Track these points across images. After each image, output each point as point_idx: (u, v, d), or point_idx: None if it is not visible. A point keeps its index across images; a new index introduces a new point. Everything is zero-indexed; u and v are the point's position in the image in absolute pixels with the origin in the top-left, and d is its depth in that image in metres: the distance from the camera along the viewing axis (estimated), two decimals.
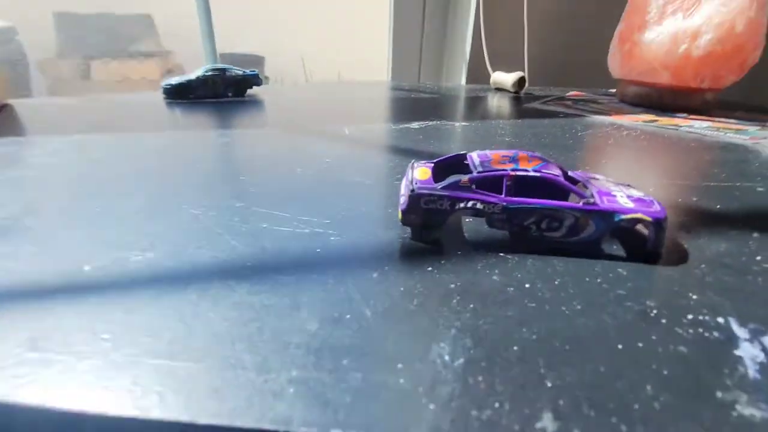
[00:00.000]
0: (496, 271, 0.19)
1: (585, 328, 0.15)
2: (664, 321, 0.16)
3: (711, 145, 0.42)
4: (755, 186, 0.31)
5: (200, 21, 0.95)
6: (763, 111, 0.62)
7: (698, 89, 0.57)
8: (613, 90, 0.71)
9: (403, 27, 0.99)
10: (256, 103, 0.58)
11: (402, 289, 0.17)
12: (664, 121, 0.53)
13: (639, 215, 0.20)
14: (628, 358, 0.14)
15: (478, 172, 0.21)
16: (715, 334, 0.15)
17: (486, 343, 0.14)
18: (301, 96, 0.68)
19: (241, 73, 0.60)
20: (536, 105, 0.62)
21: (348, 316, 0.15)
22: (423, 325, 0.15)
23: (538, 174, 0.20)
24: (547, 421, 0.11)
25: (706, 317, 0.16)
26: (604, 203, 0.20)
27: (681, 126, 0.50)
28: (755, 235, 0.23)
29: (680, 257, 0.20)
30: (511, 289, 0.17)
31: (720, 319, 0.16)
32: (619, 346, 0.14)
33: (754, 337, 0.15)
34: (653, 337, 0.15)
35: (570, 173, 0.24)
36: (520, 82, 0.72)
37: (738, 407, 0.12)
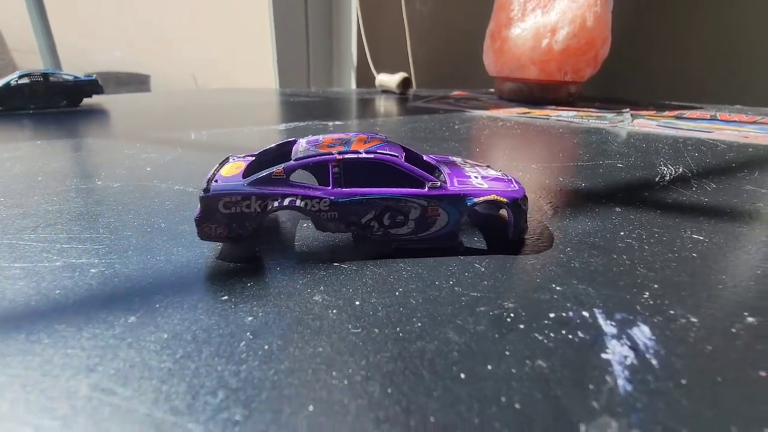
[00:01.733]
0: (321, 288, 0.14)
1: (418, 355, 0.11)
2: (522, 326, 0.12)
3: (577, 130, 0.44)
4: (616, 163, 0.31)
5: (36, 33, 0.81)
6: (616, 102, 0.68)
7: (563, 82, 0.60)
8: (493, 90, 0.74)
9: (286, 36, 0.94)
10: (93, 112, 0.48)
11: (166, 336, 0.11)
12: (537, 112, 0.54)
13: (493, 197, 0.16)
14: (471, 392, 0.10)
15: (296, 159, 0.16)
16: (580, 334, 0.12)
17: (267, 406, 0.09)
18: (164, 104, 0.59)
19: (71, 78, 0.49)
20: (419, 103, 0.61)
21: None
22: (173, 392, 0.09)
23: (370, 156, 0.16)
24: None
25: (570, 313, 0.13)
26: (455, 186, 0.17)
27: (551, 116, 0.52)
28: (618, 209, 0.22)
29: (544, 242, 0.18)
30: (334, 311, 0.13)
31: (585, 313, 0.13)
32: (462, 376, 0.10)
33: (622, 330, 0.12)
34: (507, 353, 0.11)
35: (425, 157, 0.20)
36: (405, 83, 0.71)
37: None
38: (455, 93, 0.75)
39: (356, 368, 0.10)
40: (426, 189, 0.16)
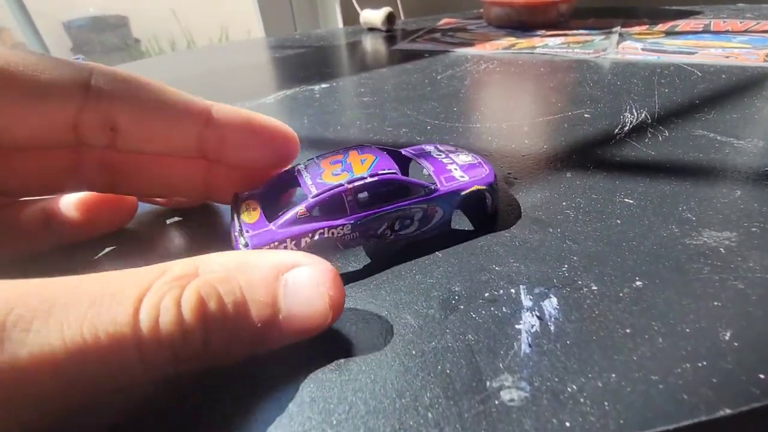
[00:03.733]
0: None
1: (382, 337, 0.15)
2: (462, 307, 0.16)
3: (558, 68, 0.44)
4: (583, 113, 0.32)
5: None
6: (610, 14, 0.65)
7: (552, 2, 0.58)
8: (482, 11, 0.70)
9: None
10: None
11: None
12: (523, 43, 0.53)
13: (476, 187, 0.20)
14: (418, 364, 0.14)
15: (314, 197, 0.18)
16: (504, 309, 0.16)
17: None
18: (148, 75, 0.59)
19: None
20: (404, 45, 0.60)
21: None
22: None
23: (375, 179, 0.19)
24: None
25: (501, 291, 0.17)
26: (444, 185, 0.20)
27: (536, 47, 0.51)
28: (568, 174, 0.24)
29: (497, 221, 0.21)
30: None
31: (512, 290, 0.17)
32: (413, 352, 0.15)
33: (536, 303, 0.16)
34: (447, 331, 0.16)
35: (403, 152, 0.23)
36: (389, 18, 0.68)
37: (501, 394, 0.13)
38: (444, 22, 0.72)
39: (339, 352, 0.15)
40: (423, 194, 0.19)
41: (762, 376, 0.13)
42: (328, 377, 0.14)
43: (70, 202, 0.21)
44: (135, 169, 0.19)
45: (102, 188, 0.20)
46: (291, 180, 0.21)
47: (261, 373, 0.14)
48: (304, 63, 0.57)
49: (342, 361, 0.15)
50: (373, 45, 0.63)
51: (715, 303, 0.16)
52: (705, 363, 0.13)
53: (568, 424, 0.12)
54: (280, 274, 0.13)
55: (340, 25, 0.87)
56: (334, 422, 0.13)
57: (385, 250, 0.20)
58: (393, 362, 0.15)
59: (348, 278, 0.18)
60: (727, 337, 0.14)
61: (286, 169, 0.22)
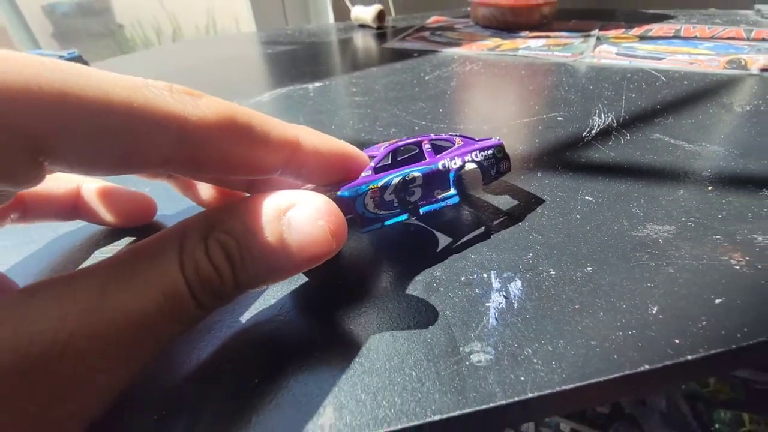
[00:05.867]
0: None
1: (375, 316, 0.18)
2: (442, 289, 0.20)
3: (538, 70, 0.47)
4: (557, 116, 0.36)
5: None
6: (592, 16, 0.68)
7: (535, 5, 0.60)
8: (470, 10, 0.73)
9: None
10: None
11: None
12: (507, 45, 0.56)
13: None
14: (404, 335, 0.17)
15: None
16: (476, 290, 0.19)
17: None
18: (143, 69, 0.61)
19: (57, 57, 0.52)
20: (394, 44, 0.62)
21: None
22: None
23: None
24: None
25: (474, 275, 0.20)
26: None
27: (519, 48, 0.54)
28: (539, 174, 0.28)
29: (473, 218, 0.24)
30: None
31: (485, 275, 0.20)
32: (401, 325, 0.18)
33: (503, 285, 0.19)
34: (429, 309, 0.19)
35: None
36: (380, 15, 0.70)
37: (471, 357, 0.16)
38: (433, 20, 0.75)
39: (340, 328, 0.18)
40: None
41: (677, 341, 0.16)
42: (330, 346, 0.17)
43: (96, 189, 0.23)
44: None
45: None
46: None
47: (272, 343, 0.17)
48: (297, 60, 0.59)
49: (342, 333, 0.18)
50: (364, 43, 0.66)
51: (649, 284, 0.19)
52: (634, 331, 0.17)
53: (522, 378, 0.15)
54: (282, 214, 0.15)
55: (332, 20, 0.88)
56: (336, 380, 0.16)
57: (378, 242, 0.23)
58: (384, 333, 0.18)
59: (346, 269, 0.21)
60: (654, 311, 0.18)
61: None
